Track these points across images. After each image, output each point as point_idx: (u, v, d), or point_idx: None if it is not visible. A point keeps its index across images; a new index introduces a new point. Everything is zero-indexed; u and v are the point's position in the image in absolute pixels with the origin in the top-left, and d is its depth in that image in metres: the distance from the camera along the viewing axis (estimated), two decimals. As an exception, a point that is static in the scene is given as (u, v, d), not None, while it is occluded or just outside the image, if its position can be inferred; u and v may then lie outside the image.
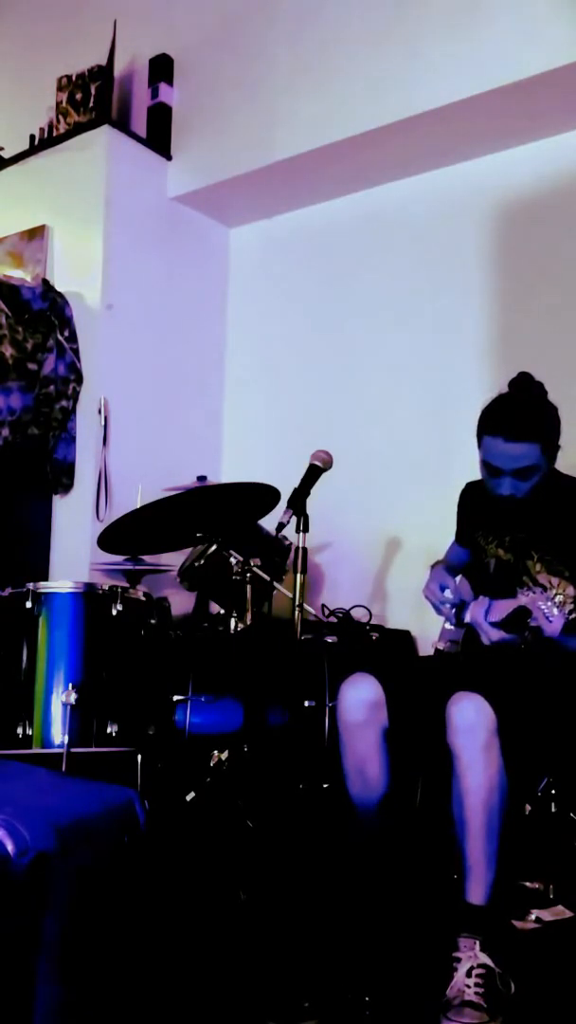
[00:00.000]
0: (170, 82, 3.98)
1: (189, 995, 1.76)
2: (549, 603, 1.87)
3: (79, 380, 3.66)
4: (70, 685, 2.50)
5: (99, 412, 3.63)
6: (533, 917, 2.12)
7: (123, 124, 3.94)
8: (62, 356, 3.62)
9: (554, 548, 2.10)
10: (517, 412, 2.04)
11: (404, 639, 3.33)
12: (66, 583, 2.71)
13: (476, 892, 1.82)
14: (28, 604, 2.62)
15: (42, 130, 4.06)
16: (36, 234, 3.90)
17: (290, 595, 2.47)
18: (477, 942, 1.77)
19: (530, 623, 1.89)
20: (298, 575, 2.39)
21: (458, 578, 2.25)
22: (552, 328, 3.30)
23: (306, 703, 2.72)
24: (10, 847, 1.33)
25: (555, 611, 1.85)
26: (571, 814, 2.23)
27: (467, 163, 3.55)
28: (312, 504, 2.40)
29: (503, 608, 1.97)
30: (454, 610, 2.14)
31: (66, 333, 3.65)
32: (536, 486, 2.06)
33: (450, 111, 3.19)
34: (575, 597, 2.04)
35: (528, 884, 2.21)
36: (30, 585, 2.65)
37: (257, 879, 2.23)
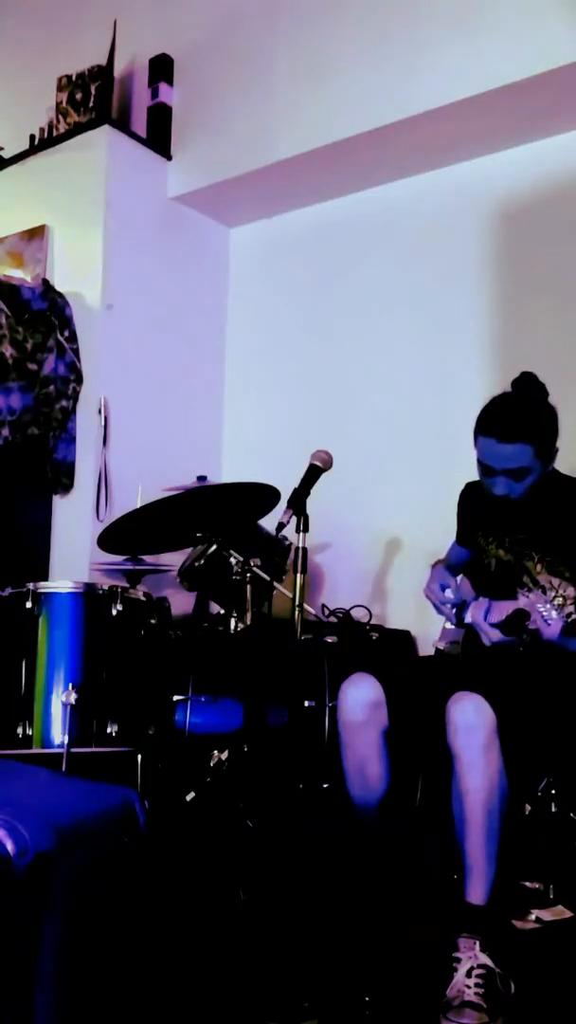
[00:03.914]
0: (170, 82, 3.97)
1: (189, 995, 1.76)
2: (548, 605, 1.87)
3: (79, 380, 3.66)
4: (70, 685, 2.50)
5: (99, 412, 3.63)
6: (533, 917, 2.11)
7: (123, 124, 3.94)
8: (62, 356, 3.62)
9: (554, 548, 2.10)
10: (511, 413, 2.04)
11: (404, 639, 3.32)
12: (66, 583, 2.71)
13: (476, 892, 1.82)
14: (28, 604, 2.62)
15: (42, 130, 4.06)
16: (36, 234, 3.90)
17: (290, 595, 2.47)
18: (477, 942, 1.77)
19: (528, 626, 1.89)
20: (298, 575, 2.39)
21: (459, 577, 2.25)
22: (552, 328, 3.30)
23: (306, 703, 2.72)
24: (10, 847, 1.33)
25: (554, 614, 1.85)
26: (571, 814, 2.22)
27: (467, 163, 3.55)
28: (312, 504, 2.40)
29: (503, 609, 1.97)
30: (455, 610, 2.14)
31: (66, 333, 3.65)
32: (533, 487, 2.06)
33: (450, 111, 3.19)
34: (575, 598, 2.04)
35: (528, 884, 2.21)
36: (30, 585, 2.65)
37: (257, 879, 2.23)
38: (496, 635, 1.98)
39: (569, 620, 1.86)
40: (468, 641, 2.26)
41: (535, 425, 2.03)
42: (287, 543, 2.94)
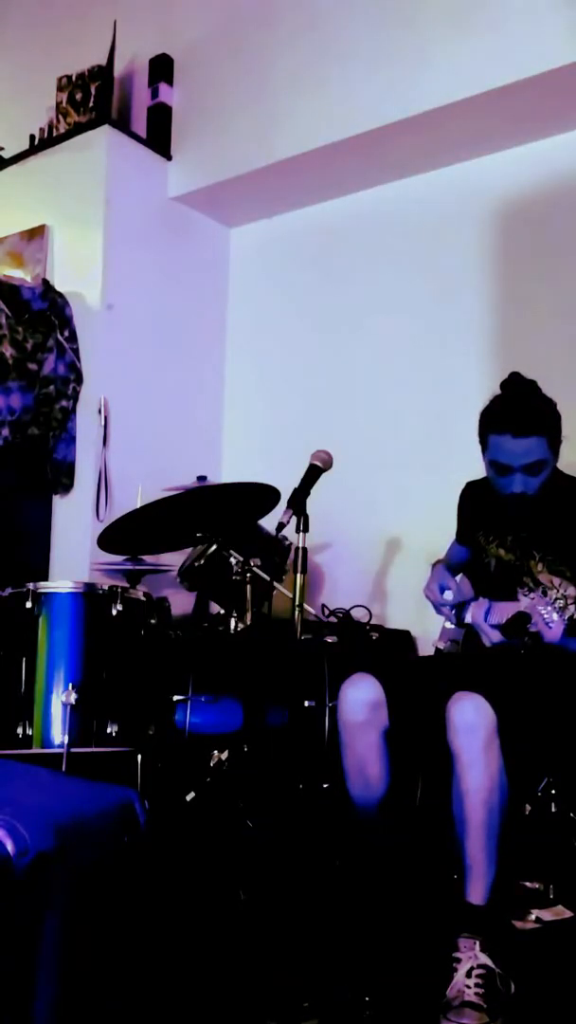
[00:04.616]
0: (170, 82, 3.97)
1: (189, 995, 1.76)
2: (549, 608, 1.87)
3: (79, 380, 3.66)
4: (70, 685, 2.50)
5: (99, 412, 3.63)
6: (533, 917, 2.11)
7: (123, 124, 3.94)
8: (62, 356, 3.62)
9: (555, 547, 2.10)
10: (521, 408, 2.04)
11: (404, 639, 3.32)
12: (66, 583, 2.71)
13: (476, 892, 1.82)
14: (28, 604, 2.62)
15: (42, 130, 4.06)
16: (36, 234, 3.90)
17: (290, 595, 2.47)
18: (477, 942, 1.77)
19: (530, 628, 1.88)
20: (298, 575, 2.40)
21: (459, 577, 2.25)
22: (552, 328, 3.30)
23: (306, 703, 2.72)
24: (10, 847, 1.33)
25: (555, 616, 1.85)
26: (571, 814, 2.23)
27: (467, 163, 3.55)
28: (312, 504, 2.41)
29: (503, 610, 1.97)
30: (454, 610, 2.14)
31: (66, 333, 3.65)
32: (544, 483, 2.06)
33: (450, 111, 3.19)
34: (576, 597, 2.04)
35: (528, 884, 2.21)
36: (30, 585, 2.65)
37: (257, 879, 2.23)
38: (496, 636, 1.98)
39: (570, 620, 1.86)
40: (468, 641, 2.26)
41: (546, 417, 2.05)
42: (287, 543, 2.94)
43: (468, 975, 1.72)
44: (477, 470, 2.19)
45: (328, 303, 3.92)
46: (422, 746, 2.06)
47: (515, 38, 3.02)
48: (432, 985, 1.74)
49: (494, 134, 3.36)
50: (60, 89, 4.00)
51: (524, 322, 3.40)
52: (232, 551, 2.88)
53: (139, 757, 2.60)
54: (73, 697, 2.44)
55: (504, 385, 2.13)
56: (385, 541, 3.61)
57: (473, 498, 2.33)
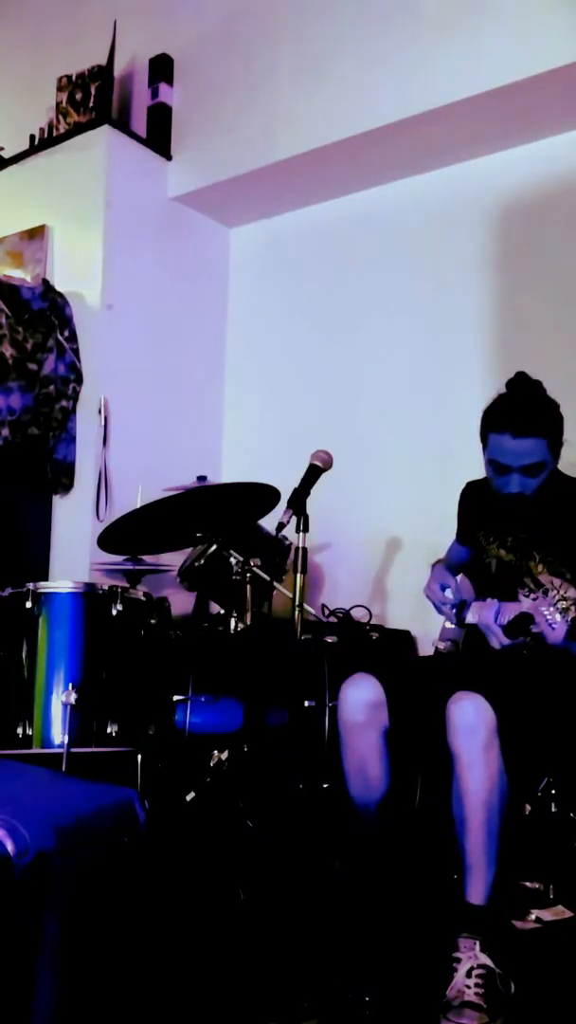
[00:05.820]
0: (170, 82, 3.97)
1: (189, 995, 1.76)
2: (552, 609, 1.86)
3: (79, 380, 3.66)
4: (70, 685, 2.50)
5: (99, 412, 3.63)
6: (533, 917, 2.11)
7: (123, 124, 3.94)
8: (62, 356, 3.62)
9: (556, 548, 2.10)
10: (523, 408, 2.03)
11: (404, 639, 3.32)
12: (66, 583, 2.71)
13: (476, 892, 1.82)
14: (28, 604, 2.62)
15: (42, 130, 4.06)
16: (36, 234, 3.90)
17: (290, 595, 2.47)
18: (477, 942, 1.77)
19: (532, 629, 1.88)
20: (298, 575, 2.40)
21: (459, 577, 2.25)
22: (552, 328, 3.30)
23: (306, 703, 2.72)
24: (10, 847, 1.33)
25: (558, 617, 1.85)
26: (571, 814, 2.23)
27: (467, 163, 3.55)
28: (312, 504, 2.41)
29: (512, 611, 1.97)
30: (455, 609, 2.14)
31: (66, 333, 3.65)
32: (542, 484, 2.06)
33: (450, 111, 3.19)
34: (576, 598, 2.03)
35: (528, 884, 2.21)
36: (30, 585, 2.65)
37: (257, 879, 2.23)
38: (506, 638, 1.97)
39: (573, 622, 1.86)
40: (469, 641, 2.26)
41: (547, 419, 2.04)
42: (287, 543, 2.94)
43: (468, 975, 1.72)
44: (477, 470, 2.18)
45: (328, 303, 3.92)
46: (422, 746, 2.06)
47: (515, 38, 3.01)
48: (432, 985, 1.74)
49: (494, 134, 3.36)
50: (60, 89, 4.00)
51: (524, 322, 3.40)
52: (232, 551, 2.88)
53: (139, 757, 2.60)
54: (73, 697, 2.44)
55: (509, 384, 2.13)
56: (385, 541, 3.61)
57: (473, 498, 2.33)
